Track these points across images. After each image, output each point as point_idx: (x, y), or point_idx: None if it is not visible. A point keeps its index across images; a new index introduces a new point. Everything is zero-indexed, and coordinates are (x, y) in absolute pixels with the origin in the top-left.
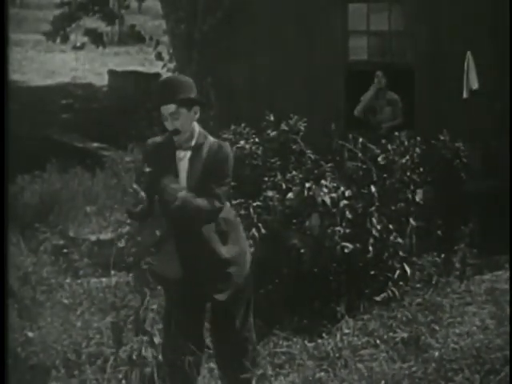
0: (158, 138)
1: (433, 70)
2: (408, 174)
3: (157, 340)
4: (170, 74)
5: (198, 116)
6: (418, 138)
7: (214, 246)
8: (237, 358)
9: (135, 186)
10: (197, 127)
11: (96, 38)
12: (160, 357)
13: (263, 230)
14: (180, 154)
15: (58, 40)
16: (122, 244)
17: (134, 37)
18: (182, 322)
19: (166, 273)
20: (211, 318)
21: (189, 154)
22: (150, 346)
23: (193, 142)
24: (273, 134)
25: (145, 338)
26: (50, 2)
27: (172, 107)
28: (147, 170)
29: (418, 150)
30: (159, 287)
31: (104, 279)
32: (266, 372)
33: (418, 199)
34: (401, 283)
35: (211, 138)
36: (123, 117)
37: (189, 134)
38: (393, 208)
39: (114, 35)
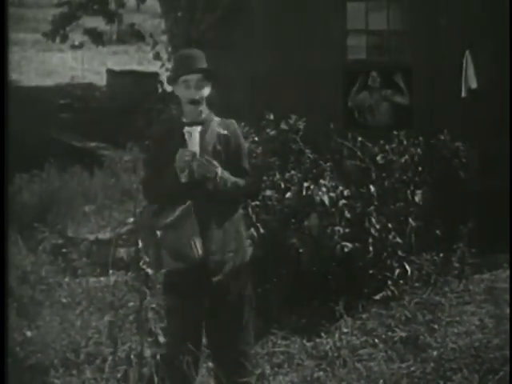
0: (161, 125)
1: (432, 70)
2: (407, 173)
3: (162, 339)
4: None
5: (210, 88)
6: (418, 138)
7: (238, 223)
8: (237, 361)
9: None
10: (205, 96)
11: (95, 36)
12: (159, 356)
13: (262, 230)
14: (191, 129)
15: (58, 40)
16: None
17: (133, 35)
18: (181, 321)
19: (186, 250)
20: (210, 318)
21: (199, 128)
22: (155, 345)
23: (203, 116)
24: (272, 133)
25: (149, 340)
26: (48, 1)
27: (198, 76)
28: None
29: (417, 149)
30: (158, 286)
31: (102, 278)
32: (264, 371)
33: (417, 200)
34: (400, 282)
35: (217, 118)
36: (122, 116)
37: (203, 106)
38: (392, 207)
39: (113, 34)
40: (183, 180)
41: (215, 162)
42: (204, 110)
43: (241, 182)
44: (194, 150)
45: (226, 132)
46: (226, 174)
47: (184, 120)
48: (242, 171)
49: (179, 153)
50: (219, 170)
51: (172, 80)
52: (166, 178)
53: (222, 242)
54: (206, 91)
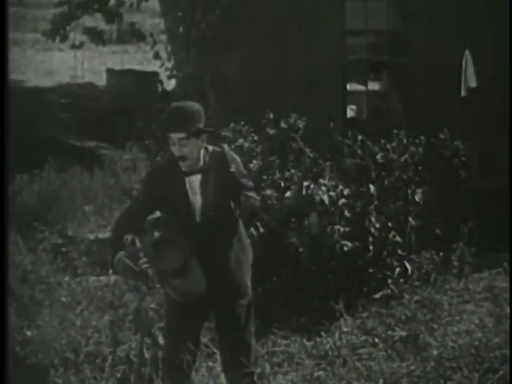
0: (162, 161)
1: (431, 69)
2: (407, 172)
3: (161, 340)
4: (182, 101)
5: (205, 143)
6: (418, 137)
7: (240, 257)
8: (240, 355)
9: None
10: (198, 153)
11: (95, 36)
12: (158, 356)
13: (262, 229)
14: (191, 179)
15: (58, 39)
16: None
17: (134, 34)
18: (182, 322)
19: (191, 289)
20: (216, 316)
21: (198, 176)
22: (153, 346)
23: (200, 164)
24: (272, 132)
25: (148, 341)
26: (48, 0)
27: (181, 134)
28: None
29: (417, 148)
30: (158, 285)
31: (102, 278)
32: (264, 370)
33: (417, 199)
34: (400, 281)
35: (210, 147)
36: (122, 115)
37: (196, 159)
38: (392, 206)
39: (113, 33)
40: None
41: (254, 196)
42: (197, 163)
43: (257, 199)
44: (195, 198)
45: (222, 167)
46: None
47: (182, 168)
48: (253, 191)
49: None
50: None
51: (162, 134)
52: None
53: (227, 272)
54: (194, 149)
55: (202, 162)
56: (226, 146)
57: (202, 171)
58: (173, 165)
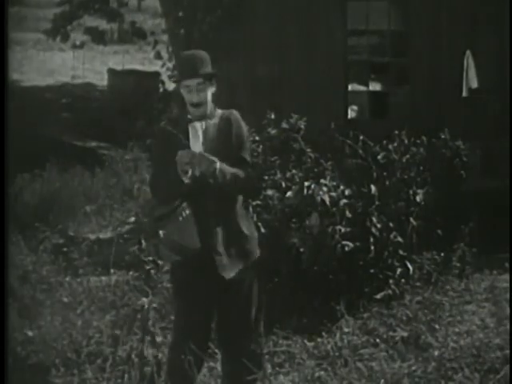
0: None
1: (432, 69)
2: (408, 173)
3: (159, 339)
4: (189, 51)
5: (214, 88)
6: (419, 137)
7: (239, 221)
8: (243, 359)
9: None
10: (209, 97)
11: (96, 36)
12: (160, 356)
13: (263, 229)
14: (195, 124)
15: (59, 39)
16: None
17: (135, 33)
18: (189, 321)
19: (185, 243)
20: (219, 318)
21: (203, 123)
22: (151, 345)
23: (208, 111)
24: (273, 132)
25: (148, 338)
26: (49, 0)
27: (199, 80)
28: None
29: (418, 149)
30: (159, 285)
31: (104, 278)
32: (265, 371)
33: (418, 199)
34: (402, 281)
35: (219, 110)
36: (123, 115)
37: (207, 104)
38: (393, 207)
39: (114, 33)
40: (186, 181)
41: (213, 158)
42: (207, 108)
43: (240, 172)
44: (196, 144)
45: (226, 123)
46: (225, 166)
47: (189, 117)
48: (242, 161)
49: (178, 155)
50: (217, 164)
51: (176, 82)
52: (168, 178)
53: (222, 239)
54: (209, 93)
55: (208, 110)
56: (234, 111)
57: (207, 118)
58: (177, 118)
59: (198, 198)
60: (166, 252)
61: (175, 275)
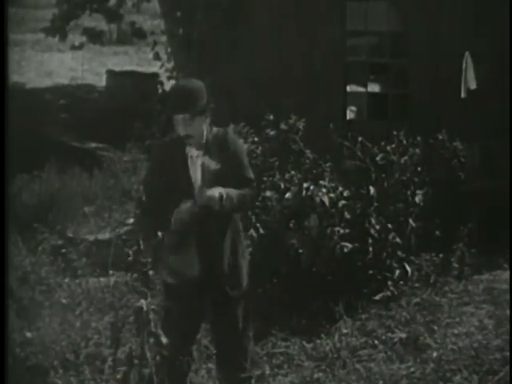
0: (165, 139)
1: (431, 70)
2: (407, 174)
3: (164, 340)
4: (184, 80)
5: (209, 120)
6: (418, 138)
7: (237, 245)
8: (238, 358)
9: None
10: (202, 128)
11: (95, 37)
12: (158, 357)
13: (261, 231)
14: (193, 153)
15: (57, 38)
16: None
17: (134, 34)
18: (181, 323)
19: (184, 270)
20: (213, 318)
21: (201, 152)
22: (157, 346)
23: (203, 140)
24: (272, 133)
25: (151, 340)
26: (48, 1)
27: (184, 116)
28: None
29: (416, 149)
30: (158, 287)
31: (102, 279)
32: (264, 372)
33: (417, 201)
34: (400, 282)
35: (215, 128)
36: (121, 117)
37: (200, 136)
38: (391, 208)
39: (113, 34)
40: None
41: (216, 193)
42: (202, 139)
43: (246, 191)
44: (196, 173)
45: (224, 144)
46: (230, 191)
47: (187, 143)
48: (247, 181)
49: (180, 209)
50: (223, 193)
51: (168, 115)
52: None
53: (221, 258)
54: (201, 125)
55: (204, 140)
56: (230, 129)
57: (204, 148)
58: (176, 141)
59: (202, 228)
60: (163, 273)
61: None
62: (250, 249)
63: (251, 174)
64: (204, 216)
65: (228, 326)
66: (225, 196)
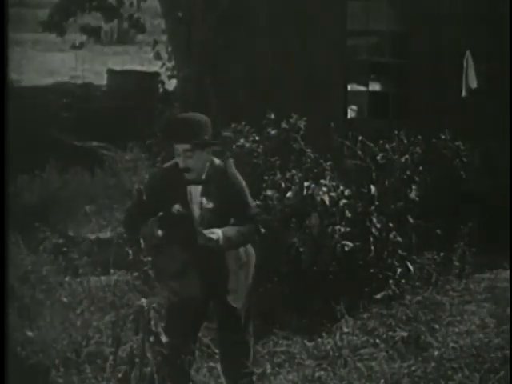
0: (165, 166)
1: (432, 69)
2: (407, 173)
3: (164, 339)
4: (191, 113)
5: (210, 156)
6: (418, 137)
7: (237, 273)
8: (240, 355)
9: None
10: (204, 163)
11: (96, 36)
12: (159, 356)
13: (262, 229)
14: (192, 187)
15: (55, 34)
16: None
17: (133, 26)
18: (182, 322)
19: (185, 292)
20: (217, 317)
21: (199, 187)
22: (157, 345)
23: (203, 176)
24: (273, 132)
25: (151, 339)
26: (49, 0)
27: (186, 146)
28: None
29: (417, 149)
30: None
31: (103, 278)
32: (265, 371)
33: (413, 196)
34: (402, 281)
35: (216, 161)
36: (122, 116)
37: (200, 171)
38: (392, 207)
39: (114, 33)
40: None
41: (214, 235)
42: (202, 174)
43: (244, 229)
44: (195, 206)
45: (224, 180)
46: (227, 232)
47: (186, 176)
48: (247, 219)
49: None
50: (221, 237)
51: (168, 145)
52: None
53: (222, 280)
54: (202, 160)
55: (205, 174)
56: (230, 162)
57: (204, 182)
58: (177, 171)
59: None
60: (167, 294)
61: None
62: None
63: (252, 211)
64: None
65: (230, 322)
66: (222, 238)
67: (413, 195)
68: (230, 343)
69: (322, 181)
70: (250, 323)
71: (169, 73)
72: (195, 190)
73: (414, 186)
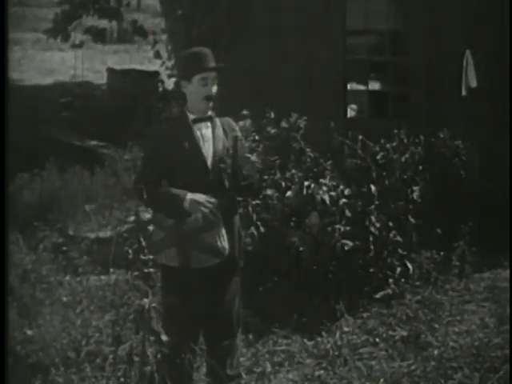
0: (165, 122)
1: (432, 69)
2: (407, 172)
3: (164, 338)
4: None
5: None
6: (419, 137)
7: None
8: (221, 323)
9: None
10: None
11: (96, 35)
12: (159, 355)
13: (262, 229)
14: (201, 125)
15: (59, 38)
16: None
17: (135, 31)
18: (182, 320)
19: (216, 246)
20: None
21: (209, 124)
22: (157, 344)
23: (209, 112)
24: (273, 131)
25: (152, 338)
26: (49, 0)
27: (213, 73)
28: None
29: (417, 148)
30: (159, 284)
31: (103, 277)
32: (265, 370)
33: (415, 197)
34: (401, 280)
35: (217, 119)
36: (122, 115)
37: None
38: (392, 206)
39: (114, 33)
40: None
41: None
42: (212, 106)
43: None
44: (207, 145)
45: (227, 126)
46: (243, 161)
47: (191, 117)
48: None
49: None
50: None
51: (185, 77)
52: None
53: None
54: (216, 87)
55: (210, 111)
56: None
57: (209, 119)
58: (179, 118)
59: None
60: (197, 256)
61: (165, 275)
62: (251, 247)
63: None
64: (216, 176)
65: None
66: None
67: (415, 195)
68: (216, 344)
69: (322, 180)
70: (239, 324)
71: (168, 72)
72: (205, 128)
73: (414, 187)
